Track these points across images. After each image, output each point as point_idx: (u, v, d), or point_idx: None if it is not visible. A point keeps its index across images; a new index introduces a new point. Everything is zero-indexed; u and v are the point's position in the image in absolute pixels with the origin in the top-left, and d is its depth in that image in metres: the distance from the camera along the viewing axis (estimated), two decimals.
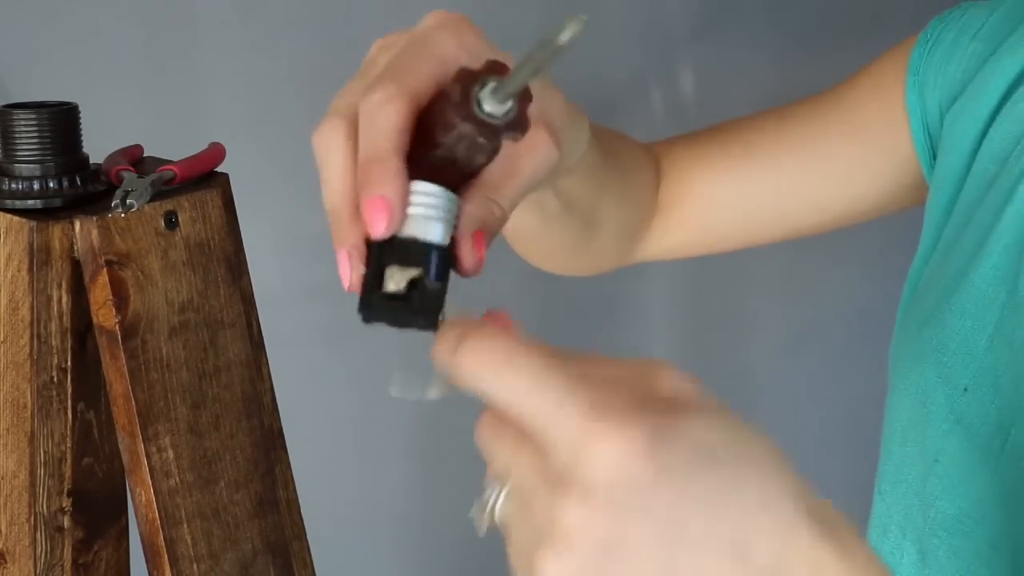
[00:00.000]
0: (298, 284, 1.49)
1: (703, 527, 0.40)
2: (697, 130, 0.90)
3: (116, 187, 0.70)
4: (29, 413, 0.72)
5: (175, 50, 1.34)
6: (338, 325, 1.55)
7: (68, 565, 0.75)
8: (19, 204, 0.71)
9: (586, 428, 0.40)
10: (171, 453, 0.72)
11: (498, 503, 0.43)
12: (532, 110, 0.48)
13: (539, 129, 0.51)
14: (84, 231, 0.70)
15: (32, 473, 0.73)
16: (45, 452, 0.73)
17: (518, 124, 0.48)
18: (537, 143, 0.51)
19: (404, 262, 0.48)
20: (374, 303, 0.49)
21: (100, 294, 0.70)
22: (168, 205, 0.72)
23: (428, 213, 0.48)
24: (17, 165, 0.72)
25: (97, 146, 0.76)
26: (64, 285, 0.71)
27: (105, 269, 0.70)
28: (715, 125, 0.90)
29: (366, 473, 1.64)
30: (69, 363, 0.73)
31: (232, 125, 1.39)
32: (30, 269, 0.70)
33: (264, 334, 0.78)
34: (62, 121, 0.72)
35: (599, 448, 0.39)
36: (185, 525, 0.73)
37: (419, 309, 0.48)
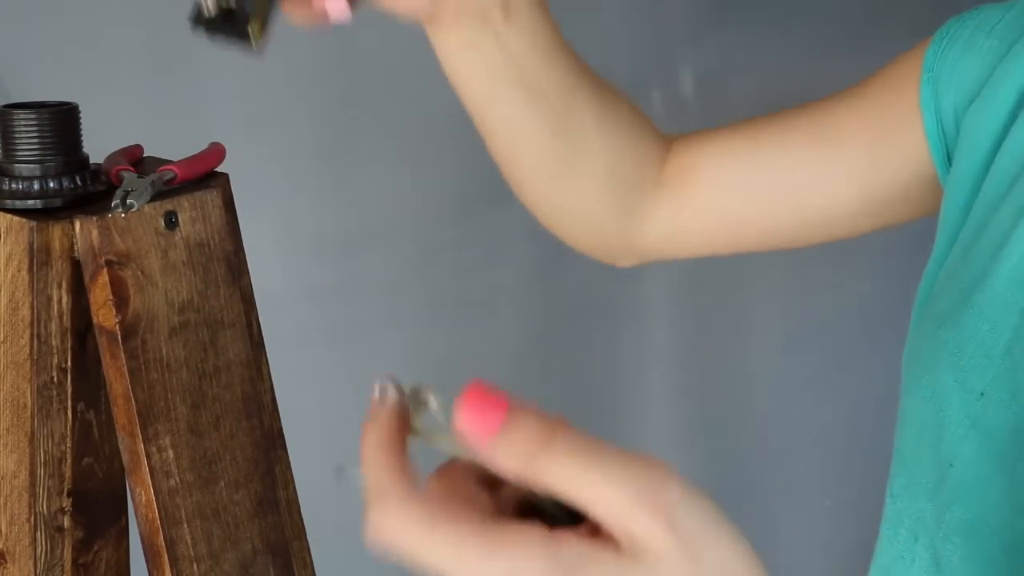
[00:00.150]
0: (298, 284, 1.49)
1: None
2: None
3: (116, 187, 0.70)
4: (29, 413, 0.72)
5: (175, 50, 1.34)
6: (338, 325, 1.55)
7: (68, 565, 0.75)
8: (19, 204, 0.71)
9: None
10: (171, 453, 0.72)
11: None
12: None
13: None
14: (84, 231, 0.70)
15: (32, 473, 0.73)
16: (45, 452, 0.73)
17: None
18: None
19: None
20: (201, 26, 0.64)
21: (100, 294, 0.70)
22: (168, 205, 0.72)
23: None
24: (17, 165, 0.72)
25: (97, 146, 0.76)
26: (64, 285, 0.71)
27: (105, 269, 0.70)
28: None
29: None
30: (69, 363, 0.73)
31: (232, 125, 1.39)
32: (30, 269, 0.70)
33: (264, 334, 0.78)
34: (62, 121, 0.73)
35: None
36: (185, 525, 0.73)
37: (216, 28, 0.63)
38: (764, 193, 0.86)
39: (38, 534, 0.73)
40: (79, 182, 0.72)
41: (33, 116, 0.72)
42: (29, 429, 0.72)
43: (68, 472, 0.74)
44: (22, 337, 0.72)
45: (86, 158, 0.74)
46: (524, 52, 0.79)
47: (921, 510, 0.72)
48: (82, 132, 0.74)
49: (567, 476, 0.40)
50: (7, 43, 1.29)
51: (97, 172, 0.74)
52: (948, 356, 0.70)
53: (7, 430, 0.73)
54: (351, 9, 0.68)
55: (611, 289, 1.69)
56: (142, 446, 0.71)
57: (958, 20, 0.80)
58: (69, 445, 0.74)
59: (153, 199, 0.71)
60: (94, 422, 0.75)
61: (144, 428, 0.71)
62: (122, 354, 0.71)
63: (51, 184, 0.72)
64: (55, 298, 0.71)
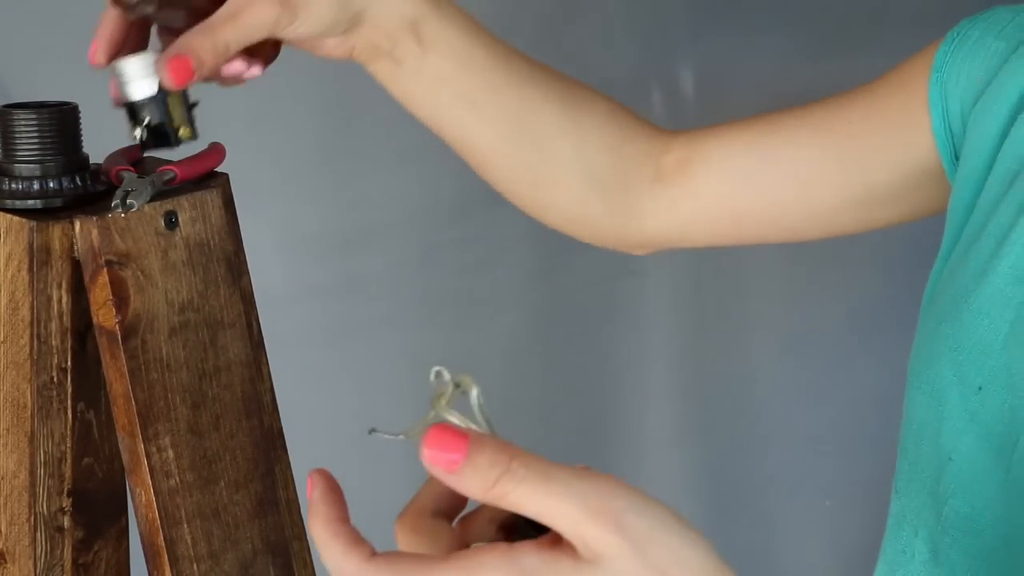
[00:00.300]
0: (298, 284, 1.49)
1: None
2: None
3: (116, 187, 0.70)
4: (29, 413, 0.72)
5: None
6: (338, 325, 1.55)
7: (68, 565, 0.75)
8: (19, 204, 0.71)
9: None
10: (171, 453, 0.72)
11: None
12: None
13: None
14: (84, 231, 0.70)
15: (32, 473, 0.73)
16: (45, 452, 0.73)
17: None
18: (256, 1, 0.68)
19: (132, 119, 0.70)
20: (145, 146, 0.71)
21: (100, 294, 0.70)
22: (168, 205, 0.72)
23: (128, 79, 0.69)
24: (17, 165, 0.72)
25: (97, 146, 0.76)
26: (64, 285, 0.71)
27: (105, 269, 0.70)
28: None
29: (366, 473, 1.63)
30: (69, 363, 0.73)
31: (232, 125, 1.39)
32: (30, 269, 0.70)
33: (264, 334, 0.78)
34: (62, 121, 0.73)
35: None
36: (185, 525, 0.73)
37: (154, 143, 0.70)
38: (770, 184, 0.86)
39: (38, 534, 0.73)
40: (79, 182, 0.72)
41: (33, 116, 0.72)
42: (29, 429, 0.72)
43: (68, 472, 0.74)
44: (22, 337, 0.72)
45: (86, 158, 0.74)
46: (453, 74, 0.79)
47: (921, 504, 0.73)
48: (82, 132, 0.74)
49: (526, 496, 0.44)
50: (7, 43, 1.29)
51: (97, 172, 0.74)
52: (948, 351, 0.71)
53: (7, 430, 0.73)
54: (261, 65, 0.76)
55: (611, 289, 1.69)
56: (142, 446, 0.71)
57: (970, 21, 0.81)
58: (69, 445, 0.74)
59: (153, 199, 0.71)
60: (94, 422, 0.75)
61: (144, 428, 0.71)
62: (122, 354, 0.71)
63: (51, 184, 0.72)
64: (55, 298, 0.71)
